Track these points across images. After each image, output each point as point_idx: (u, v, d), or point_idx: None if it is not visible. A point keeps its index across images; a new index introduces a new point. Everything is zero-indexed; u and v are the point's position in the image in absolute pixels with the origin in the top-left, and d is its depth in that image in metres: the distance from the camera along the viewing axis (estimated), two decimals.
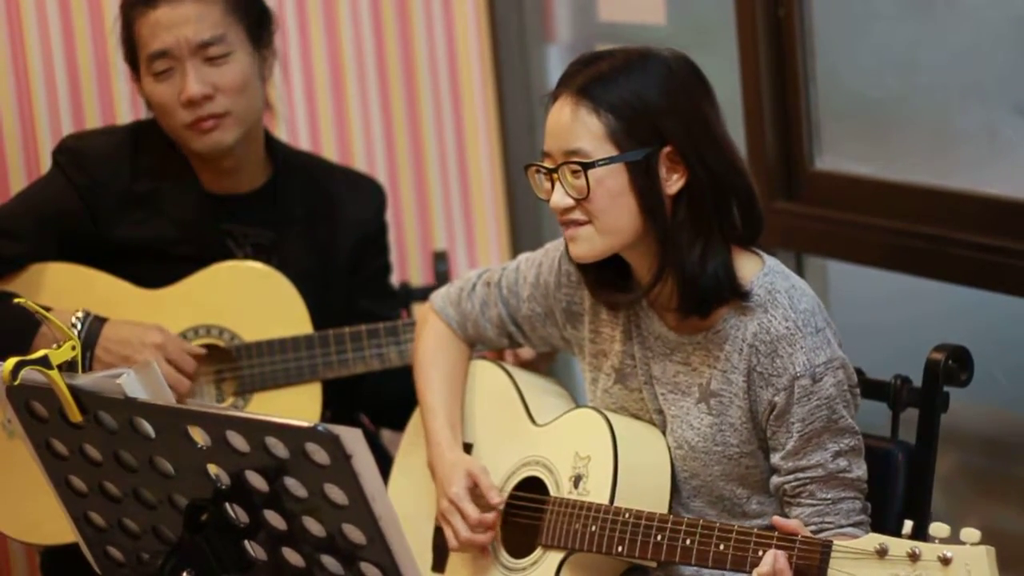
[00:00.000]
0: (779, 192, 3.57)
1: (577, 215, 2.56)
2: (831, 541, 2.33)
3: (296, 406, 3.18)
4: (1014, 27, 3.24)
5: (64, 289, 3.15)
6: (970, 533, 2.19)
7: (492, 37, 4.13)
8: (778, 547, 2.37)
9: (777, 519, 2.41)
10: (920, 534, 2.25)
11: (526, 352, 2.98)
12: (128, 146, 3.24)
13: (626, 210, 2.55)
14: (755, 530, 2.43)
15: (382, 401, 3.38)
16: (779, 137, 3.56)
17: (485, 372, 2.93)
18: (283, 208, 3.29)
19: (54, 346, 2.30)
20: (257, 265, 3.22)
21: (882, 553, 2.25)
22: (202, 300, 3.19)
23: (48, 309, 3.02)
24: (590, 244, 2.57)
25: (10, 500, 3.12)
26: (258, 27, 3.24)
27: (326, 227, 3.32)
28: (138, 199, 3.20)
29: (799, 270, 3.59)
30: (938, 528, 2.21)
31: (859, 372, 2.74)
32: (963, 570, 2.18)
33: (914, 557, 2.22)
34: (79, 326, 3.08)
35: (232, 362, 3.20)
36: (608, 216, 2.55)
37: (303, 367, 3.20)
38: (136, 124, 3.34)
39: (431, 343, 2.94)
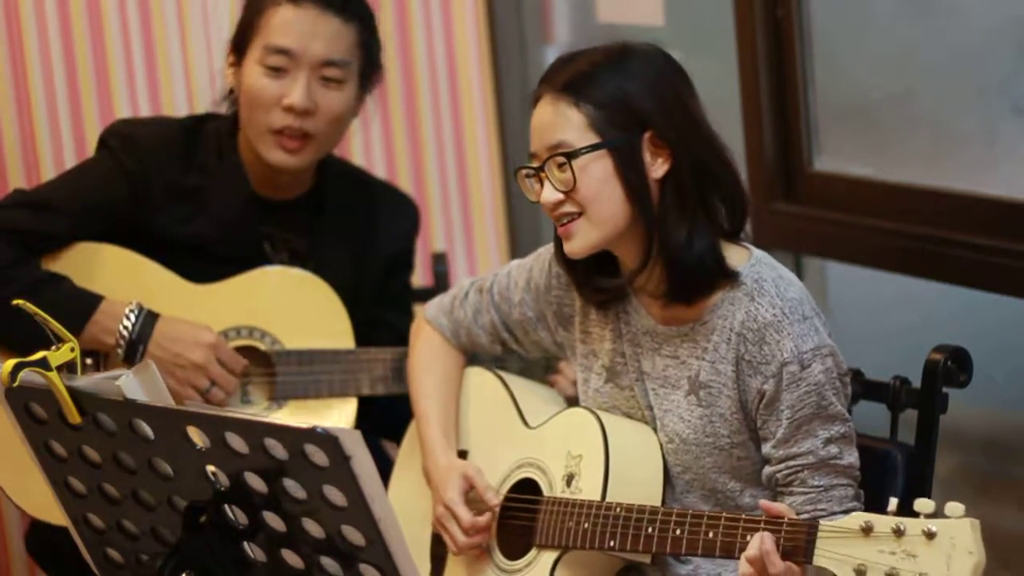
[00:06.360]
0: (778, 193, 3.57)
1: (568, 208, 2.58)
2: (817, 521, 2.33)
3: (326, 420, 3.16)
4: (1014, 27, 3.23)
5: (114, 274, 3.13)
6: (954, 507, 2.19)
7: (491, 39, 4.13)
8: (765, 531, 2.37)
9: (764, 502, 2.41)
10: (905, 511, 2.26)
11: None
12: (180, 139, 3.21)
13: (614, 197, 2.56)
14: (743, 516, 2.44)
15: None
16: (778, 138, 3.56)
17: (478, 379, 2.94)
18: (325, 217, 3.28)
19: (52, 348, 2.30)
20: (306, 273, 3.20)
21: (867, 531, 2.25)
22: (247, 301, 3.17)
23: (101, 298, 3.06)
24: (584, 238, 2.59)
25: (21, 473, 3.09)
26: (371, 71, 3.23)
27: (364, 240, 3.31)
28: (185, 193, 3.18)
29: (798, 271, 3.59)
30: (923, 504, 2.22)
31: (858, 373, 2.75)
32: (948, 543, 2.18)
33: (899, 533, 2.23)
34: (132, 319, 3.07)
35: (267, 367, 3.18)
36: (597, 204, 2.56)
37: (335, 381, 3.19)
38: (190, 119, 3.30)
39: (425, 352, 2.95)
